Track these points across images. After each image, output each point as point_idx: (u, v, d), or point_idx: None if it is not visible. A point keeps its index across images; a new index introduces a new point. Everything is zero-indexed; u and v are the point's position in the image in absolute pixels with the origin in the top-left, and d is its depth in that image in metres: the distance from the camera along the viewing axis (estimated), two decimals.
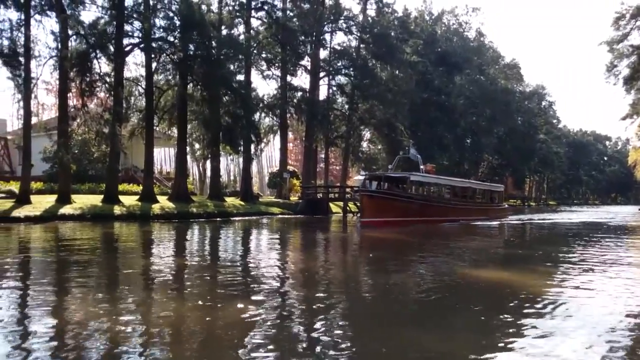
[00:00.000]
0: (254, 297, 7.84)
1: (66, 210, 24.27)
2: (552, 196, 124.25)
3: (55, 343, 5.37)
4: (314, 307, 7.35)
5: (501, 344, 5.45)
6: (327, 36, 45.76)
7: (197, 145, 42.73)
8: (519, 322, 6.40)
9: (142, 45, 31.85)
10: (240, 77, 36.66)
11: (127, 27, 31.40)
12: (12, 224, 20.89)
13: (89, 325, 5.98)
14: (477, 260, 13.66)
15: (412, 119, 53.55)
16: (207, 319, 6.49)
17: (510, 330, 6.05)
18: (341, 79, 48.98)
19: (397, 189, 29.20)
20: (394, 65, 48.18)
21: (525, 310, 7.07)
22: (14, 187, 29.91)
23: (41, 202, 25.70)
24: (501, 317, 6.76)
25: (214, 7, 35.43)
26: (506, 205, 40.53)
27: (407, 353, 5.30)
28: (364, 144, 58.27)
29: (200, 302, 7.40)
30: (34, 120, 29.89)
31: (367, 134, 57.23)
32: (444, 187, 32.88)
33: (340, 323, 6.45)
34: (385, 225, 23.80)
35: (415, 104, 53.61)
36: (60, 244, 15.81)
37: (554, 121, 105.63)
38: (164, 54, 33.18)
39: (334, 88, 48.65)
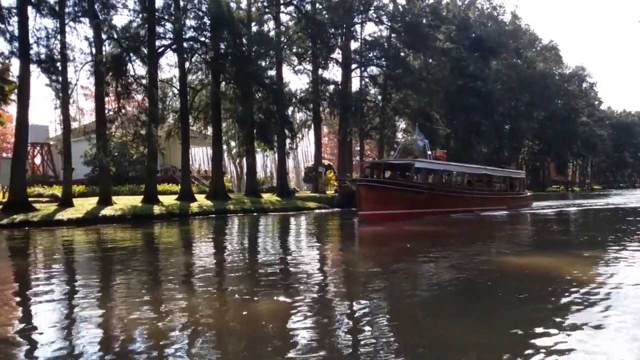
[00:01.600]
0: (293, 291, 7.87)
1: (107, 211, 24.80)
2: (596, 180, 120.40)
3: (103, 337, 5.64)
4: (355, 300, 7.32)
5: (544, 337, 5.24)
6: (358, 27, 45.38)
7: (232, 143, 43.18)
8: (562, 312, 6.16)
9: (174, 46, 32.30)
10: (272, 73, 36.73)
11: (159, 29, 31.83)
12: (56, 227, 21.48)
13: (135, 320, 6.20)
14: (514, 248, 13.30)
15: (448, 107, 52.67)
16: (244, 312, 6.50)
17: (552, 322, 5.81)
18: (373, 70, 48.52)
19: (401, 177, 26.46)
20: (426, 53, 47.44)
21: (568, 299, 6.82)
22: (57, 191, 30.78)
23: (83, 205, 26.35)
24: (545, 307, 6.53)
25: (243, 4, 35.61)
26: (529, 193, 37.02)
27: (451, 346, 5.16)
28: (399, 135, 57.70)
29: (240, 296, 7.48)
30: (74, 125, 30.72)
31: (401, 124, 56.60)
32: (455, 175, 29.49)
33: (382, 316, 6.37)
34: (387, 219, 21.91)
35: (450, 91, 52.69)
36: (102, 244, 16.17)
37: (596, 103, 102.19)
38: (196, 54, 33.60)
39: (367, 79, 48.23)
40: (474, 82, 59.29)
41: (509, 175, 34.04)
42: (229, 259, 12.38)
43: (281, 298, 7.33)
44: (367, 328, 5.72)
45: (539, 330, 5.44)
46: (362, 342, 5.22)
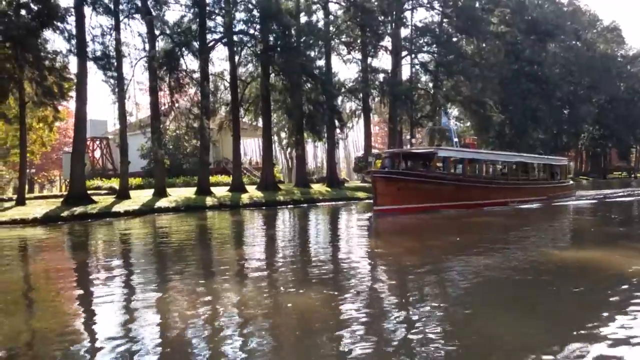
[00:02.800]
0: (344, 284, 7.86)
1: (162, 203, 25.52)
2: None
3: (160, 329, 5.87)
4: (403, 294, 7.22)
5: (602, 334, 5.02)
6: (408, 14, 44.52)
7: (282, 134, 43.51)
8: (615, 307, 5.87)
9: (224, 40, 32.77)
10: (321, 63, 36.73)
11: (210, 23, 32.42)
12: (114, 218, 22.29)
13: (190, 312, 6.38)
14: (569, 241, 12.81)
15: (502, 93, 51.09)
16: (289, 304, 6.51)
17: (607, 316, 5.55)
18: (424, 57, 47.60)
19: (424, 168, 24.11)
20: (479, 37, 46.13)
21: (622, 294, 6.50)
22: (115, 183, 31.92)
23: (139, 197, 27.24)
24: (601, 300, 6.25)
25: None
26: (571, 182, 33.87)
27: (503, 344, 5.04)
28: (451, 122, 56.51)
29: (288, 289, 7.52)
30: (130, 119, 31.74)
31: (454, 112, 55.46)
32: (485, 163, 26.71)
33: (434, 311, 6.22)
34: (406, 214, 20.00)
35: (505, 77, 51.15)
36: (156, 236, 16.66)
37: None
38: (246, 47, 33.98)
39: (417, 67, 47.38)
40: (530, 66, 57.31)
41: (548, 162, 30.92)
42: (277, 250, 12.48)
43: (329, 290, 7.33)
44: (417, 324, 5.63)
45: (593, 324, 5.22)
46: (411, 337, 5.14)
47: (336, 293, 7.24)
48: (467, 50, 46.91)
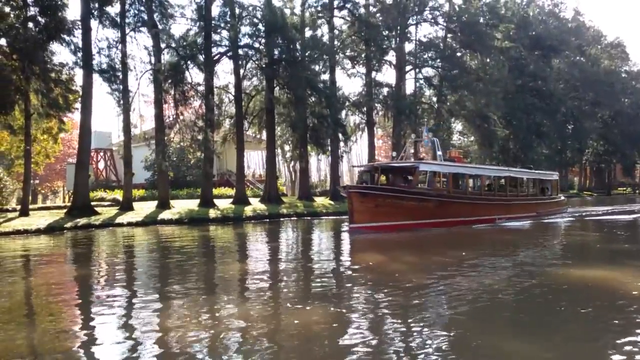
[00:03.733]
0: (343, 300, 7.82)
1: (165, 215, 25.54)
2: None
3: (161, 341, 5.87)
4: (406, 311, 7.16)
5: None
6: (412, 29, 44.73)
7: (286, 147, 43.58)
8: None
9: (229, 54, 32.96)
10: (325, 77, 36.89)
11: (215, 37, 32.61)
12: (117, 229, 22.30)
13: (191, 326, 6.38)
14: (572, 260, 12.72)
15: (506, 108, 51.08)
16: (295, 320, 6.48)
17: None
18: (428, 71, 47.72)
19: (404, 182, 22.89)
20: (484, 53, 46.27)
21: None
22: (119, 195, 31.97)
23: (142, 209, 27.27)
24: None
25: (297, 10, 35.99)
26: (562, 198, 32.66)
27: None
28: (455, 137, 56.57)
29: (291, 304, 7.47)
30: (134, 131, 31.87)
31: (457, 126, 55.50)
32: (471, 178, 25.36)
33: (433, 330, 6.18)
34: (384, 232, 18.84)
35: (509, 91, 51.13)
36: (159, 249, 16.62)
37: None
38: (251, 60, 34.18)
39: (421, 81, 47.43)
40: (534, 81, 57.36)
41: (538, 177, 29.56)
42: (279, 264, 12.44)
43: (331, 307, 7.29)
44: (417, 343, 5.58)
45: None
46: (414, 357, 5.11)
47: (337, 309, 7.19)
48: (471, 65, 47.01)
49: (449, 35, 46.58)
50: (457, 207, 21.93)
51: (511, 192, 26.43)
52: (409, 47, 44.91)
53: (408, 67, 44.98)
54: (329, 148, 37.54)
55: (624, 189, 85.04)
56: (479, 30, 44.10)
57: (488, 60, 47.81)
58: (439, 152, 24.50)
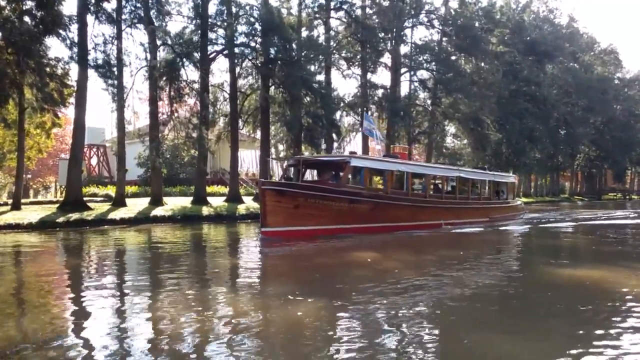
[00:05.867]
0: (332, 297, 7.81)
1: (158, 212, 25.50)
2: None
3: (152, 336, 5.88)
4: (397, 310, 7.19)
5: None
6: (408, 31, 44.89)
7: (280, 147, 43.66)
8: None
9: (225, 52, 32.95)
10: (321, 78, 36.96)
11: (211, 35, 32.60)
12: (109, 225, 22.29)
13: (182, 321, 6.40)
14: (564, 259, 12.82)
15: (500, 112, 51.38)
16: (285, 314, 6.52)
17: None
18: (423, 74, 47.97)
19: (334, 180, 19.32)
20: (478, 57, 46.64)
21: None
22: (111, 191, 31.91)
23: (135, 205, 27.21)
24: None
25: (294, 10, 36.06)
26: (519, 202, 30.33)
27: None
28: (448, 139, 56.83)
29: (281, 298, 7.50)
30: (128, 127, 31.84)
31: (451, 129, 55.77)
32: (413, 178, 21.81)
33: (422, 331, 6.19)
34: (305, 238, 15.88)
35: (503, 96, 51.44)
36: (151, 244, 16.64)
37: None
38: (247, 59, 34.21)
39: (416, 83, 47.70)
40: (528, 86, 57.71)
41: (492, 179, 26.96)
42: (270, 261, 12.49)
43: (320, 301, 7.34)
44: (410, 349, 5.64)
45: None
46: None
47: (326, 304, 7.25)
48: (466, 69, 47.31)
49: (444, 38, 46.86)
50: (397, 211, 19.35)
51: (461, 195, 23.96)
52: (404, 49, 45.17)
53: (403, 70, 45.19)
54: (323, 148, 37.63)
55: (615, 194, 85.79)
56: (474, 35, 44.36)
57: (483, 64, 48.13)
58: (378, 146, 21.00)
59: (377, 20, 40.59)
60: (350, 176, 19.01)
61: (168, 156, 40.31)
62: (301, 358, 5.17)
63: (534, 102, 57.63)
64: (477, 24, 46.53)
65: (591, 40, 75.96)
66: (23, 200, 27.94)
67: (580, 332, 6.04)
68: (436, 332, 6.16)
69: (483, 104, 44.93)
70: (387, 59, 43.93)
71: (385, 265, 11.61)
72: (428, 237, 18.18)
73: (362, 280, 9.42)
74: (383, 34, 41.21)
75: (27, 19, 23.09)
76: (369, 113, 43.11)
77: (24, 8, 23.00)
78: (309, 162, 20.24)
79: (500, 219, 25.19)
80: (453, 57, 47.01)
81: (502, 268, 11.33)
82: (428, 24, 45.91)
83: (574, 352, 5.23)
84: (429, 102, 48.71)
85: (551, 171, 74.16)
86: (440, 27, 46.09)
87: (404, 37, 43.79)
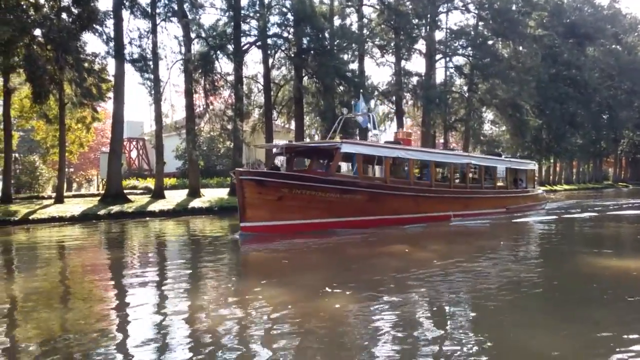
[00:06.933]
0: (366, 291, 7.71)
1: (195, 203, 25.83)
2: None
3: (190, 328, 5.89)
4: (433, 302, 7.07)
5: None
6: (443, 16, 44.25)
7: (315, 137, 43.57)
8: None
9: (258, 43, 32.99)
10: (354, 67, 36.68)
11: (244, 27, 32.65)
12: (149, 217, 22.70)
13: (219, 314, 6.39)
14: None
15: (539, 97, 50.10)
16: (321, 312, 6.47)
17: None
18: (459, 60, 47.24)
19: (325, 168, 17.74)
20: (516, 40, 45.46)
21: None
22: (150, 183, 32.48)
23: (174, 197, 27.66)
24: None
25: None
26: (540, 191, 28.17)
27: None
28: (486, 126, 55.75)
29: (319, 291, 7.45)
30: (166, 120, 32.24)
31: (489, 116, 54.68)
32: (415, 164, 19.61)
33: (465, 322, 6.06)
34: (291, 233, 14.46)
35: (542, 80, 50.16)
36: (190, 235, 16.85)
37: None
38: (279, 50, 34.18)
39: (452, 70, 47.03)
40: (568, 70, 56.14)
41: (509, 166, 24.65)
42: (302, 252, 12.45)
43: (353, 293, 7.27)
44: (449, 341, 5.51)
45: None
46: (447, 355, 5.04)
47: (367, 301, 7.15)
48: (503, 53, 46.24)
49: (480, 22, 45.86)
50: (397, 202, 17.52)
51: (473, 183, 21.99)
52: (439, 35, 44.47)
53: (438, 56, 44.49)
54: (358, 138, 37.38)
55: None
56: (512, 18, 43.26)
57: (521, 48, 46.93)
58: (375, 131, 19.80)
59: (410, 6, 39.95)
60: (345, 164, 17.78)
61: (204, 148, 40.75)
62: (343, 348, 5.10)
63: (574, 86, 56.06)
64: (514, 7, 45.34)
65: (634, 21, 73.26)
66: (66, 194, 28.71)
67: (629, 323, 5.78)
68: (480, 326, 6.00)
69: (521, 89, 43.77)
70: (421, 45, 43.31)
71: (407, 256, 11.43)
72: (430, 232, 16.49)
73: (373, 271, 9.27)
74: (417, 20, 40.56)
75: (64, 16, 23.56)
76: (404, 101, 42.71)
77: (61, 5, 23.46)
78: (297, 149, 18.49)
79: (519, 210, 23.36)
80: (490, 42, 45.98)
81: (539, 258, 11.04)
82: (463, 8, 45.04)
83: (623, 343, 5.00)
84: (465, 88, 47.90)
85: (594, 157, 72.15)
86: (476, 11, 45.11)
87: (439, 23, 43.04)
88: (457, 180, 21.55)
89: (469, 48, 44.74)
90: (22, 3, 21.57)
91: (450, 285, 7.93)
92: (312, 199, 15.07)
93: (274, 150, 19.03)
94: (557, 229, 17.86)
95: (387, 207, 17.09)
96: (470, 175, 22.04)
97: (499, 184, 23.54)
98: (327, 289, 7.52)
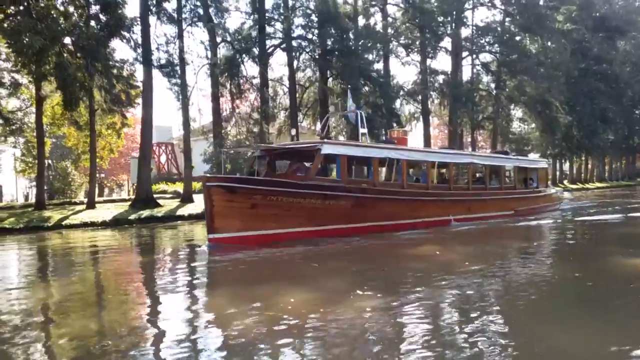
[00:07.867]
0: (394, 291, 7.61)
1: None
2: None
3: (222, 333, 5.83)
4: (462, 305, 6.93)
5: None
6: (468, 13, 43.84)
7: (341, 138, 43.51)
8: None
9: (283, 46, 33.15)
10: (379, 66, 36.57)
11: (269, 29, 32.85)
12: (178, 221, 22.91)
13: (247, 317, 6.28)
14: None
15: (569, 93, 49.13)
16: (348, 314, 6.39)
17: None
18: (486, 57, 46.62)
19: (306, 172, 15.91)
20: (544, 36, 44.57)
21: None
22: (180, 187, 32.81)
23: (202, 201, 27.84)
24: None
25: None
26: (554, 191, 26.34)
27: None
28: (514, 124, 54.90)
29: (345, 295, 7.37)
30: (194, 125, 32.65)
31: (517, 113, 53.83)
32: (408, 165, 17.71)
33: (492, 324, 5.92)
34: (265, 244, 12.99)
35: (572, 76, 49.20)
36: None
37: None
38: (304, 52, 34.26)
39: (478, 67, 46.47)
40: (599, 64, 54.90)
41: (517, 164, 22.82)
42: (331, 255, 12.37)
43: (380, 297, 7.17)
44: (479, 343, 5.38)
45: None
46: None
47: (396, 301, 7.04)
48: (531, 49, 45.41)
49: (507, 18, 45.26)
50: (388, 206, 15.96)
51: (477, 184, 20.59)
52: (465, 32, 44.02)
53: (464, 53, 44.03)
54: (384, 138, 37.19)
55: None
56: (539, 13, 42.53)
57: (549, 43, 46.09)
58: (363, 130, 18.15)
59: (435, 4, 39.55)
60: (329, 167, 16.57)
61: (232, 152, 40.95)
62: (370, 349, 5.02)
63: (605, 81, 54.83)
64: (541, 2, 44.65)
65: None
66: (98, 199, 29.18)
67: None
68: (510, 326, 5.85)
69: (551, 85, 42.96)
70: (447, 43, 42.92)
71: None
72: (424, 240, 14.60)
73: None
74: (442, 18, 40.12)
75: (93, 23, 23.96)
76: (430, 100, 42.33)
77: (90, 13, 23.87)
78: (276, 151, 16.76)
79: (528, 212, 21.48)
80: (517, 38, 45.23)
81: (571, 259, 10.76)
82: (489, 4, 44.50)
83: None
84: (492, 85, 47.27)
85: (626, 153, 70.49)
86: (503, 7, 44.51)
87: (465, 20, 42.61)
88: (458, 182, 20.49)
89: (496, 44, 44.15)
90: (53, 12, 21.96)
91: (437, 292, 7.77)
92: (290, 206, 13.66)
93: (256, 153, 17.16)
94: (588, 227, 17.29)
95: (376, 212, 15.57)
96: (475, 175, 20.92)
97: (507, 184, 22.16)
98: (358, 291, 7.44)
